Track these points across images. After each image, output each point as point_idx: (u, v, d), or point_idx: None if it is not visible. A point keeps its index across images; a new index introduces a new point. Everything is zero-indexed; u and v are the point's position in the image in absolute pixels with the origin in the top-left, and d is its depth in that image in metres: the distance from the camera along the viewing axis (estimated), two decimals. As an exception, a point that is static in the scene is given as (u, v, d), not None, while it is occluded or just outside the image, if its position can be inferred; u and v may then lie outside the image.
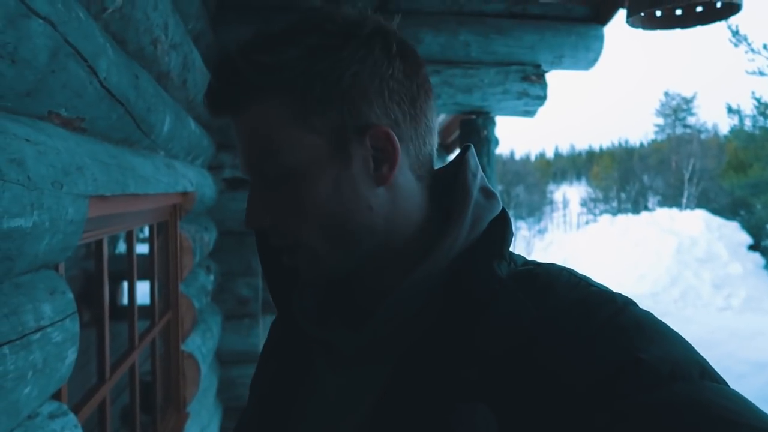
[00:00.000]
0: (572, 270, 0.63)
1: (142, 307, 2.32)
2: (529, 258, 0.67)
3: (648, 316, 0.56)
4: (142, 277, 2.34)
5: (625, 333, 0.52)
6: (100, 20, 1.37)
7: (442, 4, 3.59)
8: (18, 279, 1.01)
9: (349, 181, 0.61)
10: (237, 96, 0.62)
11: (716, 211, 23.76)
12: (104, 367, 1.72)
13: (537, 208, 53.62)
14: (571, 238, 26.25)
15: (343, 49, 0.60)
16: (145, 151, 1.96)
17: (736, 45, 18.40)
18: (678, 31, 2.21)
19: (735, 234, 19.46)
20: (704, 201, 32.85)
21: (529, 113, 4.09)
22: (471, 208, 0.64)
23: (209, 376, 3.43)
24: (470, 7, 3.68)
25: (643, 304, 0.58)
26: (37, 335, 1.00)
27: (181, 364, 2.78)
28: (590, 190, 55.98)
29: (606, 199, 51.32)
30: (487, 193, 0.67)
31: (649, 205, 42.14)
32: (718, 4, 2.03)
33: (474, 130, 4.01)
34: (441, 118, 5.16)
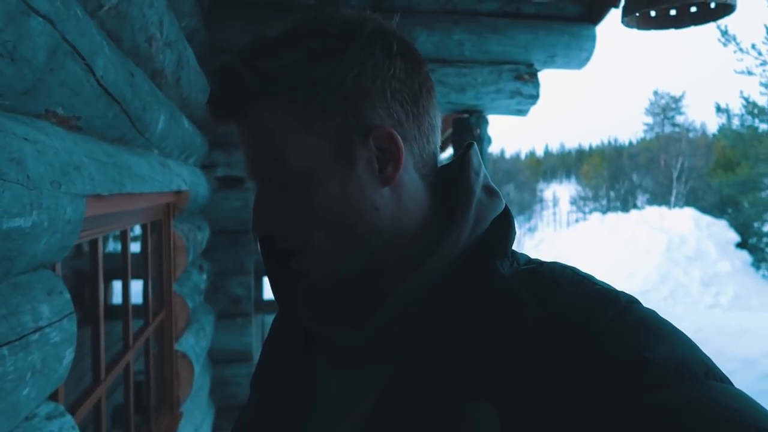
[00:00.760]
0: (576, 268, 0.63)
1: (136, 307, 2.31)
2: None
3: (652, 314, 0.56)
4: (135, 276, 2.33)
5: (630, 331, 0.52)
6: (96, 18, 1.35)
7: (436, 3, 3.60)
8: (16, 279, 1.00)
9: (355, 182, 0.61)
10: (239, 103, 0.62)
11: (705, 210, 23.96)
12: (99, 368, 1.71)
13: (527, 206, 53.82)
14: (561, 237, 26.39)
15: (344, 52, 0.60)
16: (140, 150, 1.94)
17: (725, 45, 18.58)
18: (669, 31, 2.23)
19: (723, 232, 19.64)
20: (693, 199, 33.09)
21: (522, 112, 4.11)
22: (474, 207, 0.64)
23: (202, 375, 3.42)
24: (464, 6, 3.68)
25: None
26: (36, 336, 0.99)
27: (174, 364, 2.77)
28: (580, 188, 56.23)
29: (596, 198, 51.57)
30: (490, 191, 0.68)
31: (639, 203, 42.39)
32: (712, 5, 2.05)
33: (467, 128, 4.02)
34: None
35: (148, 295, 2.48)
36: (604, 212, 33.89)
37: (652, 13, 2.15)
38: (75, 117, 1.26)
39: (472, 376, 0.55)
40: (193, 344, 3.03)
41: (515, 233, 0.66)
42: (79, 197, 1.15)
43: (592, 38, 3.83)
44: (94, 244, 1.67)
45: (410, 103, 0.63)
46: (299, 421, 0.68)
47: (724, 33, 18.55)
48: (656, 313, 0.57)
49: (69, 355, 1.16)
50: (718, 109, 24.31)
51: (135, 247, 2.68)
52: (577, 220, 44.25)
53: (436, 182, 0.68)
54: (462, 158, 0.69)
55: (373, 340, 0.62)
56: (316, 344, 0.70)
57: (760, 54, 19.24)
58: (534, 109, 4.15)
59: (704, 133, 49.14)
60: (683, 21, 2.14)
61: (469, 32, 3.65)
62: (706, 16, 2.11)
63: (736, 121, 24.22)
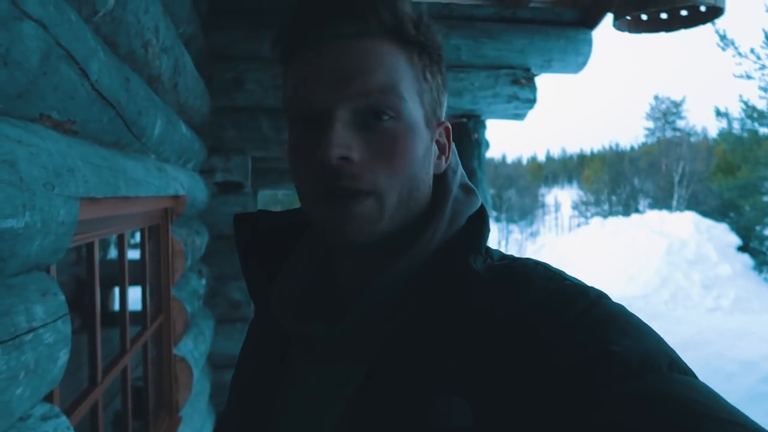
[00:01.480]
0: (547, 264, 0.64)
1: (135, 312, 2.32)
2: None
3: (620, 308, 0.57)
4: (134, 281, 2.34)
5: (599, 324, 0.53)
6: (92, 23, 1.37)
7: (432, 8, 3.62)
8: (10, 280, 1.01)
9: (429, 156, 0.66)
10: (367, 23, 0.61)
11: (706, 213, 23.95)
12: (96, 371, 1.72)
13: (529, 211, 53.82)
14: (563, 241, 26.37)
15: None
16: (136, 154, 1.96)
17: (723, 49, 18.61)
18: (666, 35, 2.24)
19: (724, 235, 19.63)
20: (694, 203, 33.09)
21: (519, 116, 4.12)
22: (450, 204, 0.66)
23: (202, 380, 3.43)
24: (460, 12, 3.70)
25: (634, 306, 0.60)
26: (29, 336, 1.00)
27: (173, 368, 2.78)
28: (581, 193, 56.27)
29: (597, 202, 51.59)
30: (467, 190, 0.70)
31: (640, 207, 42.40)
32: (702, 8, 2.07)
33: (464, 133, 4.03)
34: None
35: (146, 300, 2.49)
36: (605, 217, 33.84)
37: (644, 17, 2.17)
38: (70, 121, 1.28)
39: (446, 369, 0.56)
40: (192, 349, 3.04)
41: (489, 230, 0.68)
42: (73, 199, 1.17)
43: (589, 42, 3.85)
44: (90, 247, 1.68)
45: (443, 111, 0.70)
46: (278, 418, 0.69)
47: (723, 37, 18.58)
48: (625, 308, 0.58)
49: (64, 356, 1.17)
50: (718, 113, 24.32)
51: (136, 255, 2.70)
52: (578, 225, 44.21)
53: None
54: None
55: (349, 335, 0.63)
56: (293, 343, 0.71)
57: (759, 58, 19.28)
58: (535, 114, 4.19)
59: (705, 137, 49.18)
60: (674, 24, 2.16)
61: (466, 37, 3.67)
62: (696, 19, 2.12)
63: (736, 125, 24.21)
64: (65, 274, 3.24)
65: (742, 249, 19.79)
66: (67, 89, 1.16)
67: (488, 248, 0.67)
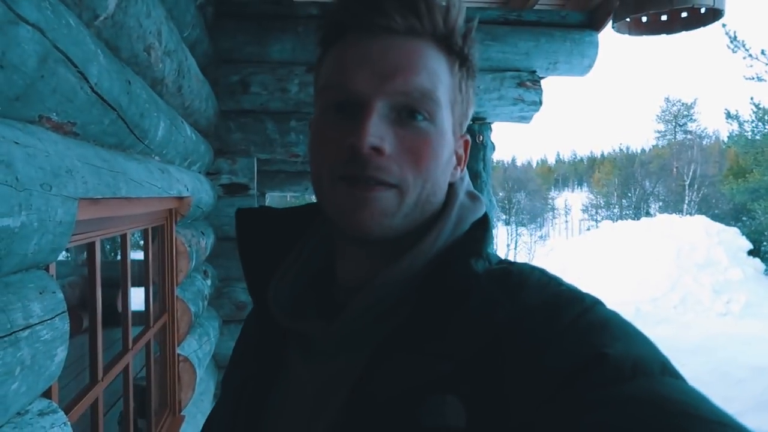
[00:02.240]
0: (543, 269, 0.64)
1: (139, 312, 2.35)
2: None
3: (615, 315, 0.57)
4: (138, 282, 2.37)
5: (592, 330, 0.54)
6: (93, 27, 1.40)
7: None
8: (7, 278, 1.03)
9: (450, 165, 0.68)
10: (420, 24, 0.62)
11: (717, 217, 23.74)
12: (96, 368, 1.75)
13: (539, 214, 53.61)
14: (573, 244, 26.24)
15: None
16: (139, 156, 1.98)
17: (734, 51, 18.45)
18: (670, 37, 2.24)
19: (735, 239, 19.43)
20: (705, 207, 32.81)
21: (525, 119, 4.12)
22: (456, 210, 0.67)
23: (206, 380, 3.45)
24: (466, 14, 3.71)
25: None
26: (26, 332, 1.03)
27: (176, 368, 2.80)
28: (592, 196, 55.98)
29: (607, 205, 51.31)
30: (472, 196, 0.71)
31: (651, 210, 42.11)
32: (702, 10, 2.07)
33: (470, 135, 4.03)
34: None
35: (150, 300, 2.51)
36: (615, 220, 33.66)
37: (644, 19, 2.17)
38: (70, 123, 1.30)
39: (441, 370, 0.56)
40: (196, 349, 3.06)
41: (492, 236, 0.69)
42: (71, 200, 1.19)
43: (595, 45, 3.84)
44: (91, 246, 1.71)
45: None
46: (272, 416, 0.69)
47: (733, 39, 18.44)
48: (619, 314, 0.58)
49: (61, 353, 1.20)
50: (729, 115, 24.12)
51: (141, 255, 2.72)
52: (588, 228, 43.97)
53: None
54: None
55: (346, 333, 0.64)
56: (290, 340, 0.72)
57: (770, 60, 19.11)
58: (545, 117, 4.29)
59: (717, 140, 48.77)
60: (674, 26, 2.16)
61: (470, 40, 3.67)
62: (696, 21, 2.12)
63: (747, 128, 24.00)
64: (73, 274, 3.29)
65: (753, 253, 19.57)
66: (66, 92, 1.19)
67: (488, 252, 0.68)
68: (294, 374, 0.70)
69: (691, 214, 28.95)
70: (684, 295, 16.17)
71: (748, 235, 20.51)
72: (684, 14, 2.12)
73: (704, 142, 44.84)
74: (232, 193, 3.72)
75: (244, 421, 0.71)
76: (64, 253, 1.49)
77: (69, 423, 1.24)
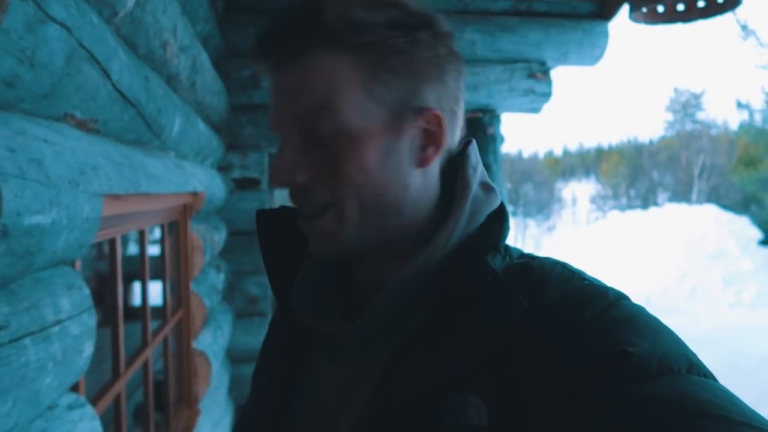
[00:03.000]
0: (566, 263, 0.64)
1: (155, 307, 2.37)
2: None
3: (640, 310, 0.57)
4: (154, 277, 2.38)
5: (615, 326, 0.53)
6: (112, 24, 1.41)
7: (447, 3, 3.62)
8: (38, 274, 1.05)
9: (396, 155, 0.62)
10: (305, 39, 0.60)
11: (728, 207, 23.56)
12: (119, 363, 1.77)
13: (546, 205, 53.38)
14: (580, 235, 26.15)
15: (421, 31, 0.62)
16: (155, 152, 2.00)
17: (744, 39, 18.27)
18: (684, 26, 2.23)
19: (745, 229, 19.31)
20: (715, 197, 32.60)
21: (535, 110, 4.11)
22: (469, 202, 0.65)
23: (220, 373, 3.48)
24: (476, 5, 3.70)
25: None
26: (57, 328, 1.04)
27: (192, 362, 2.83)
28: (599, 187, 55.72)
29: (615, 196, 51.10)
30: (486, 188, 0.69)
31: (659, 201, 41.89)
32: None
33: (480, 127, 4.03)
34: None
35: (167, 295, 2.53)
36: (623, 211, 33.50)
37: (660, 8, 2.15)
38: (93, 120, 1.31)
39: (462, 368, 0.56)
40: (211, 343, 3.09)
41: (509, 228, 0.67)
42: (97, 196, 1.20)
43: (605, 35, 3.81)
44: (112, 243, 1.72)
45: (453, 102, 0.66)
46: (297, 414, 0.70)
47: (744, 28, 18.26)
48: (644, 309, 0.58)
49: (89, 348, 1.21)
50: (739, 105, 23.94)
51: (155, 250, 2.74)
52: (596, 219, 43.79)
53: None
54: (461, 154, 0.70)
55: (367, 332, 0.64)
56: (314, 340, 0.72)
57: (781, 48, 18.91)
58: (552, 108, 4.18)
59: (726, 129, 48.34)
60: (691, 15, 2.14)
61: (481, 31, 3.66)
62: (714, 9, 2.10)
63: (758, 117, 23.77)
64: (87, 269, 3.31)
65: (764, 243, 19.46)
66: (90, 89, 1.20)
67: (507, 246, 0.67)
68: (318, 374, 0.70)
69: (700, 204, 28.75)
70: (694, 286, 16.10)
71: (759, 225, 20.36)
72: (701, 3, 2.11)
73: (713, 132, 44.47)
74: (243, 187, 3.74)
75: (272, 419, 0.71)
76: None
77: (97, 417, 1.25)
